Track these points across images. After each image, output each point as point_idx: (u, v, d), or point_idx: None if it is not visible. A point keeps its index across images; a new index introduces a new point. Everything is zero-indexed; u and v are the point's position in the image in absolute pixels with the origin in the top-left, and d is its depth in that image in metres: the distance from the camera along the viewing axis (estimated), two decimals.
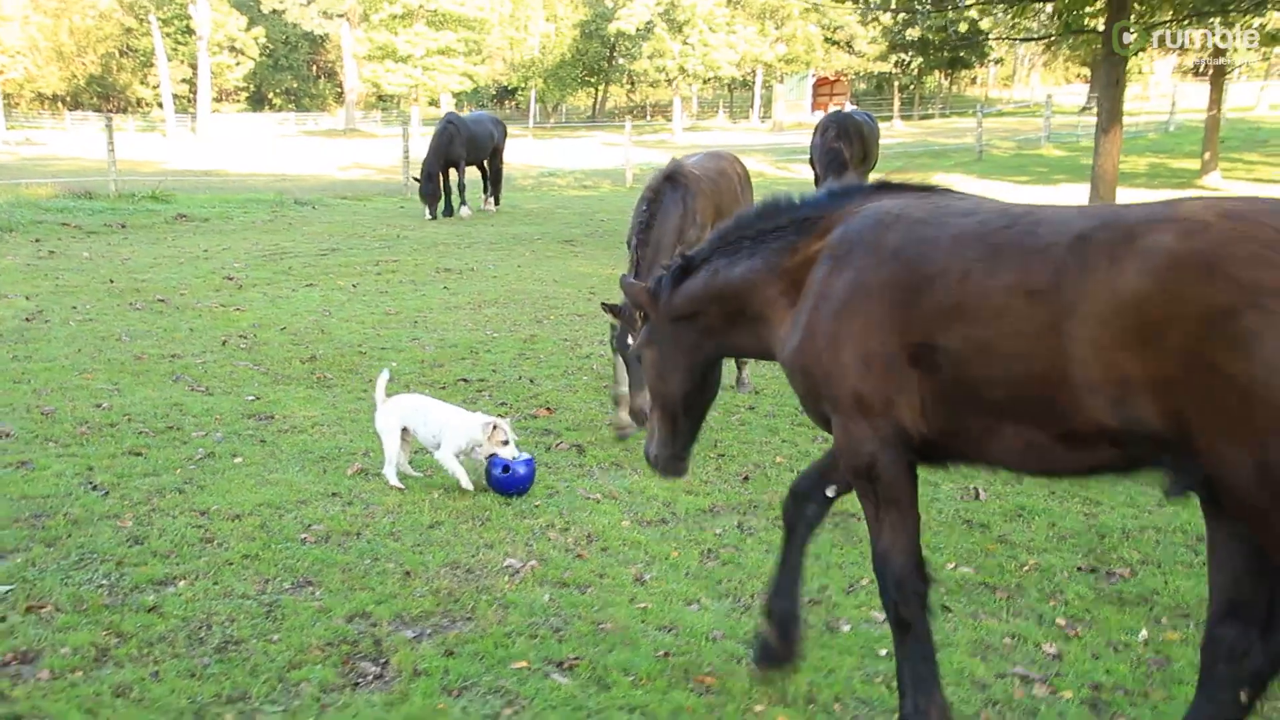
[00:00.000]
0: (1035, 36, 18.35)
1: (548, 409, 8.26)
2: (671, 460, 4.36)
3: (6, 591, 4.81)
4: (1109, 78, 13.77)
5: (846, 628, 4.70)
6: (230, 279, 14.04)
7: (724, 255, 4.02)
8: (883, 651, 4.44)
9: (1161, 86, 61.31)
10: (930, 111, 58.66)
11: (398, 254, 16.60)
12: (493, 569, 5.24)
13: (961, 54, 58.90)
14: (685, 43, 52.50)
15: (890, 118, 56.63)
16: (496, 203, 22.59)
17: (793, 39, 53.72)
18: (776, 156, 34.49)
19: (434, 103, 64.44)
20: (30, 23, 65.68)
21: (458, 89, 59.59)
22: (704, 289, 4.04)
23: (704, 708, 3.98)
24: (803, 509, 4.09)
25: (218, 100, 72.61)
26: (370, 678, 4.19)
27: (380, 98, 76.77)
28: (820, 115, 59.51)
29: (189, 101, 70.56)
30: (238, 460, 6.80)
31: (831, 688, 4.15)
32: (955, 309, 3.19)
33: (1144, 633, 4.71)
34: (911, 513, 3.54)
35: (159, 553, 5.30)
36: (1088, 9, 14.80)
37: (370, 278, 14.49)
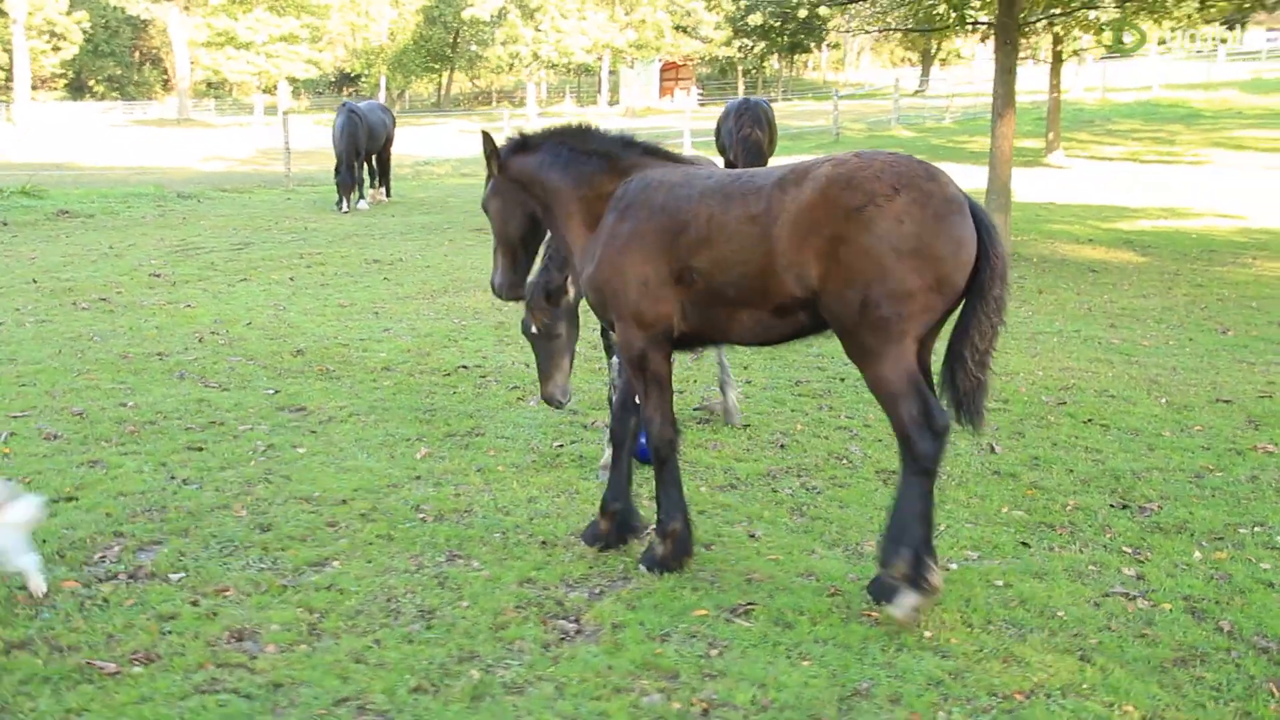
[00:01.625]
0: (927, 28, 19.40)
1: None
2: (513, 287, 5.67)
3: (181, 579, 5.02)
4: (1003, 66, 14.83)
5: (954, 566, 5.33)
6: (157, 276, 13.86)
7: (551, 151, 5.33)
8: (999, 582, 5.11)
9: (983, 70, 64.48)
10: (773, 95, 60.27)
11: (315, 246, 16.55)
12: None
13: (800, 38, 60.85)
14: (538, 29, 52.65)
15: None
16: (388, 193, 22.54)
17: (642, 25, 54.49)
18: None
19: (269, 90, 62.73)
20: None
21: (304, 76, 58.24)
22: (533, 173, 5.35)
23: (883, 637, 4.54)
24: (625, 422, 5.54)
25: (33, 88, 68.73)
26: (573, 633, 4.60)
27: (210, 85, 74.16)
28: (669, 100, 60.36)
29: (1, 90, 66.72)
30: (300, 450, 7.02)
31: (977, 612, 4.78)
32: (704, 240, 4.74)
33: (1197, 554, 5.50)
34: (667, 389, 5.14)
35: (294, 537, 5.55)
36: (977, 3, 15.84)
37: (302, 271, 14.47)
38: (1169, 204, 21.07)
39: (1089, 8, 19.50)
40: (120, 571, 5.09)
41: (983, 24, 16.11)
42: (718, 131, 17.91)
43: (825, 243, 4.44)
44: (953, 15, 15.63)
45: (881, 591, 4.68)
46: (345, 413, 7.92)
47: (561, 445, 7.26)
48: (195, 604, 4.77)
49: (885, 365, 4.46)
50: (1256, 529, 5.85)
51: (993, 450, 7.20)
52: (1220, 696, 4.12)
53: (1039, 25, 17.30)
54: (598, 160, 5.23)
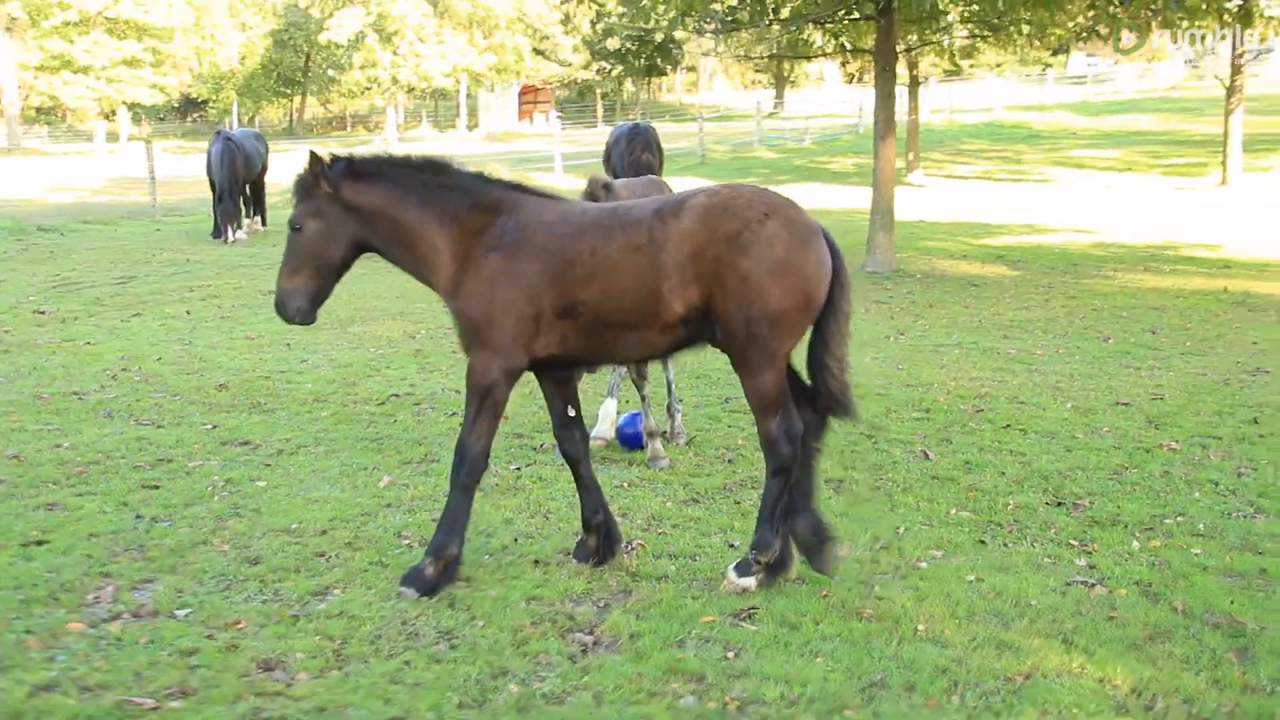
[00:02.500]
0: (792, 55, 20.14)
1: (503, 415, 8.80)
2: (310, 314, 5.48)
3: (188, 614, 5.03)
4: (882, 92, 15.58)
5: (924, 565, 5.72)
6: (41, 313, 13.43)
7: (400, 183, 5.29)
8: (970, 577, 5.51)
9: (833, 93, 66.71)
10: (632, 117, 61.16)
11: (203, 279, 16.23)
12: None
13: (656, 61, 61.92)
14: (396, 53, 52.21)
15: (595, 124, 58.60)
16: (264, 222, 22.17)
17: (501, 48, 54.58)
18: (512, 165, 35.21)
19: (108, 116, 60.54)
20: None
21: (149, 102, 56.37)
22: (380, 203, 5.27)
23: (883, 632, 4.88)
24: (572, 439, 5.66)
25: None
26: (591, 644, 4.80)
27: (40, 111, 71.06)
28: (529, 124, 60.48)
29: None
30: (261, 484, 7.01)
31: (960, 605, 5.16)
32: (592, 273, 5.05)
33: (1135, 544, 6.02)
34: (496, 421, 5.36)
35: (287, 568, 5.60)
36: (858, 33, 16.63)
37: (196, 304, 14.21)
38: (1027, 220, 22.30)
39: (944, 33, 20.68)
40: (123, 611, 5.07)
41: (862, 51, 16.92)
42: (607, 156, 18.26)
43: (709, 266, 4.94)
44: (832, 43, 16.36)
45: (741, 569, 5.35)
46: (292, 445, 7.91)
47: (519, 468, 7.43)
48: (211, 638, 4.80)
49: (763, 378, 5.06)
50: (1179, 519, 6.41)
51: (926, 457, 7.66)
52: (1191, 668, 4.58)
53: (902, 53, 18.25)
54: (460, 195, 5.30)
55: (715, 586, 5.40)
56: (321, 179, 5.26)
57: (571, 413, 5.66)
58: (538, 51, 57.62)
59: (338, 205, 5.28)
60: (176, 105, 70.38)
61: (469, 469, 5.29)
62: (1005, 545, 6.04)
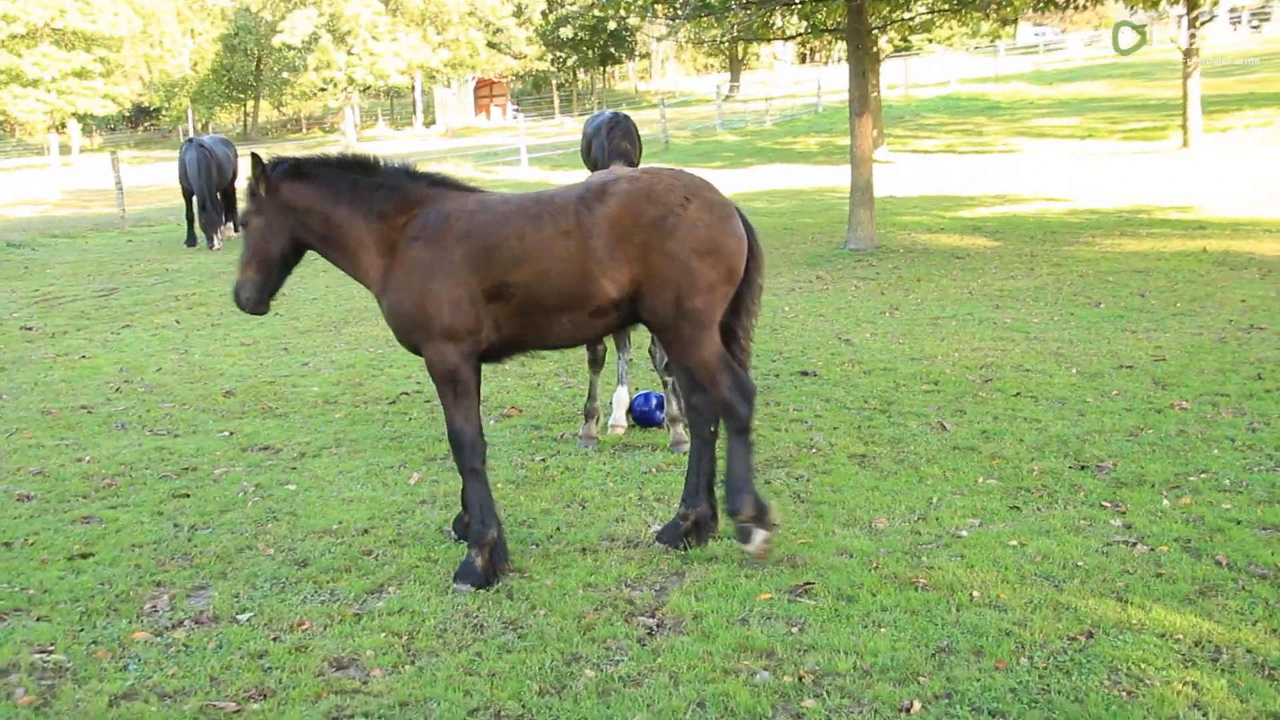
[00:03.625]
0: (752, 37, 20.22)
1: (515, 408, 8.85)
2: (260, 304, 5.72)
3: (249, 618, 5.05)
4: (855, 71, 15.69)
5: (965, 533, 5.83)
6: (29, 329, 13.31)
7: (331, 183, 5.46)
8: (1013, 542, 5.62)
9: (786, 74, 66.90)
10: (589, 107, 61.16)
11: (186, 288, 16.12)
12: (648, 535, 5.95)
13: (610, 50, 61.86)
14: (350, 53, 51.80)
15: (553, 115, 58.57)
16: (236, 228, 21.99)
17: (455, 44, 54.28)
18: (477, 160, 35.14)
19: (58, 128, 59.80)
20: None
21: (101, 113, 55.63)
22: (313, 203, 5.45)
23: (940, 600, 4.98)
24: None
25: None
26: (656, 625, 4.87)
27: None
28: (485, 118, 60.04)
29: None
30: (291, 488, 7.02)
31: (1009, 570, 5.27)
32: (520, 258, 5.20)
33: (1165, 502, 6.15)
34: (475, 400, 5.44)
35: (337, 569, 5.62)
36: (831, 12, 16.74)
37: (184, 313, 14.13)
38: (998, 191, 22.54)
39: (904, 9, 20.86)
40: (184, 618, 5.09)
41: (830, 31, 17.02)
42: (587, 146, 18.29)
43: (636, 250, 5.16)
44: (801, 24, 16.45)
45: (740, 535, 5.48)
46: (314, 448, 7.91)
47: (544, 460, 7.46)
48: (279, 640, 4.83)
49: (704, 350, 5.28)
50: (1203, 476, 6.55)
51: (943, 428, 7.77)
52: (1246, 619, 4.70)
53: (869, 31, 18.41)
54: (386, 192, 5.45)
55: (765, 564, 5.48)
56: (261, 180, 5.48)
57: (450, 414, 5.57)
58: (491, 45, 57.38)
59: (275, 205, 5.52)
60: (128, 114, 69.55)
61: (469, 453, 5.42)
62: (1039, 510, 6.15)
